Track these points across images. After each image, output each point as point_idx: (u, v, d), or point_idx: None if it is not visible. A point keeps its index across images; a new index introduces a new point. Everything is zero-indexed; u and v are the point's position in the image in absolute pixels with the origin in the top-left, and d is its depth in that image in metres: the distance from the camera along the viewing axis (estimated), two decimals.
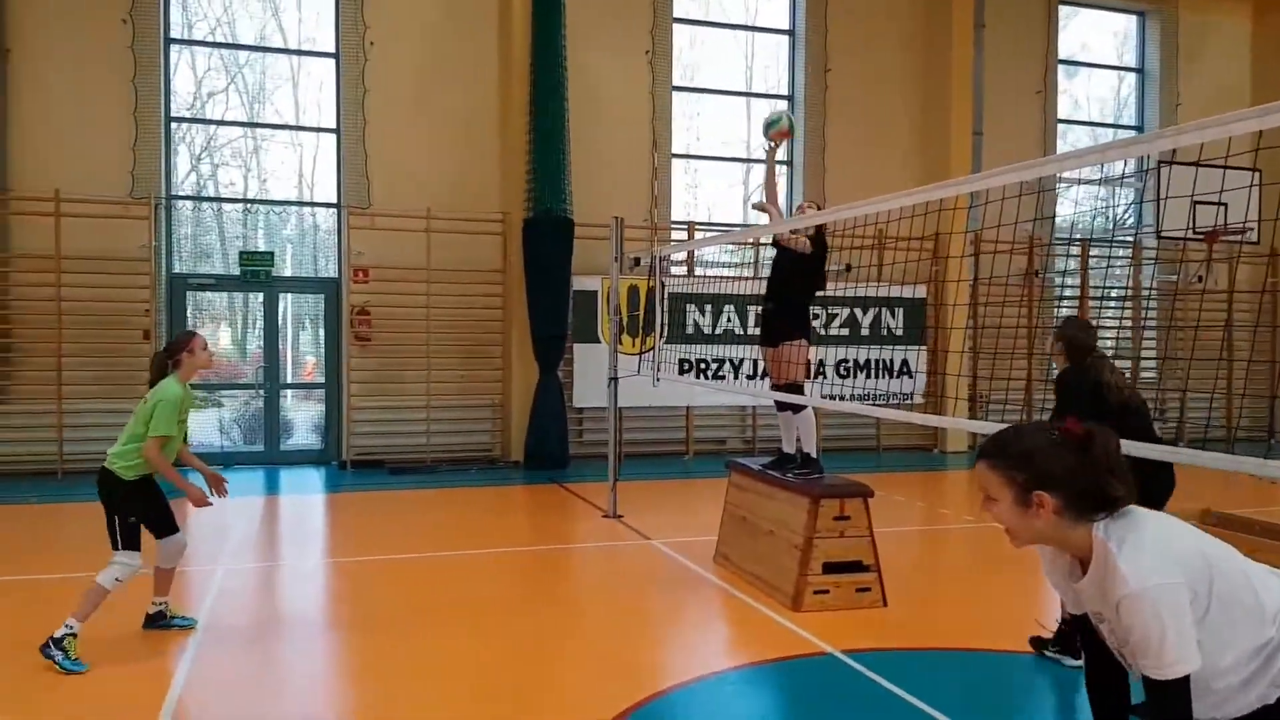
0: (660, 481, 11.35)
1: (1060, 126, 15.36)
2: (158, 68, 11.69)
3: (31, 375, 11.29)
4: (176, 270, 12.10)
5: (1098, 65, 16.22)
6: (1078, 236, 15.49)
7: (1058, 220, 15.42)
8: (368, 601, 6.39)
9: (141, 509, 5.11)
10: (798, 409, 6.54)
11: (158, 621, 5.40)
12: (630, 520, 8.76)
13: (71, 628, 4.75)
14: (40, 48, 11.20)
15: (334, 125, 12.46)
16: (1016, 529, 2.29)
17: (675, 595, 6.44)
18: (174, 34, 12.07)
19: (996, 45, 14.61)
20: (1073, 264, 15.55)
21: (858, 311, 13.50)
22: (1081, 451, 2.20)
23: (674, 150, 13.70)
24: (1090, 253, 15.06)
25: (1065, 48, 15.59)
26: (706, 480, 11.07)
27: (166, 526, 5.26)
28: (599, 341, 12.50)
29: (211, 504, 5.16)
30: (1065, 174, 14.71)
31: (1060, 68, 15.41)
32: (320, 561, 7.83)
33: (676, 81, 13.73)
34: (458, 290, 12.40)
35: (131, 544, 5.00)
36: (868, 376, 13.43)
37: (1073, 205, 16.24)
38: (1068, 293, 15.46)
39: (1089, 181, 15.94)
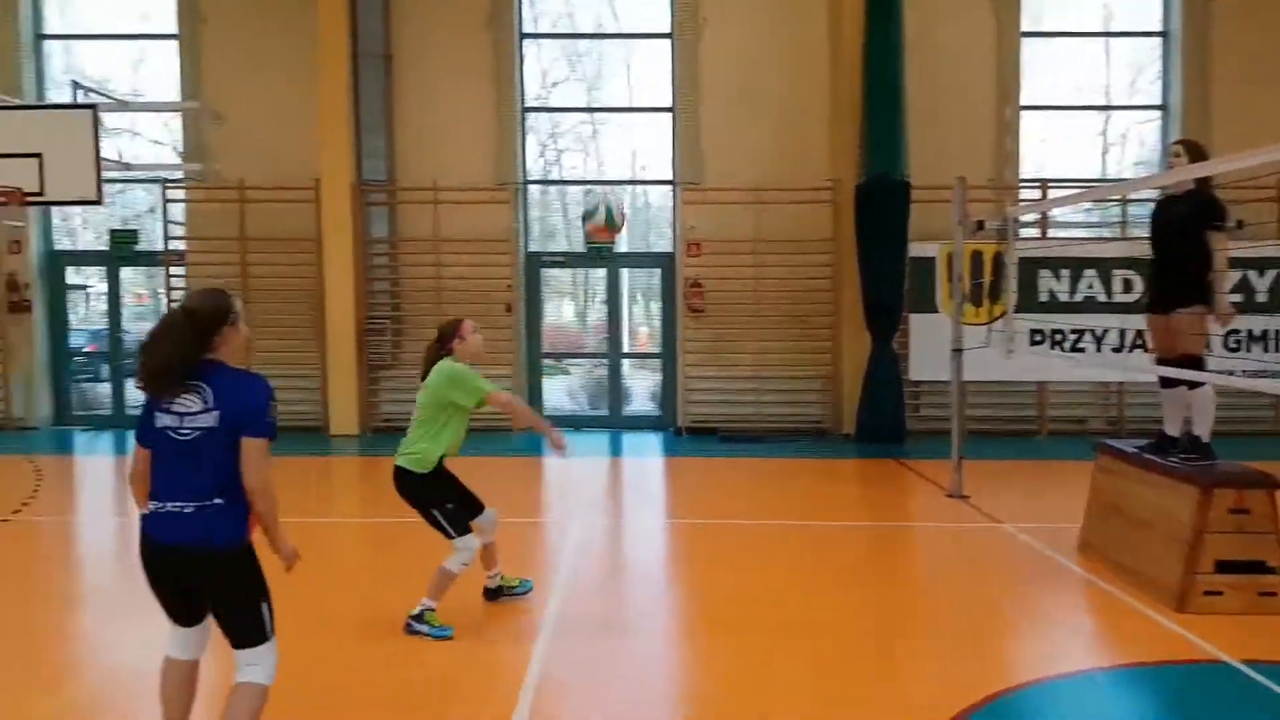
0: (1009, 462, 10.56)
1: None
2: (513, 62, 12.68)
3: (417, 345, 12.76)
4: (531, 249, 13.12)
5: None
6: None
7: None
8: (706, 562, 6.55)
9: (448, 495, 5.10)
10: (1192, 386, 5.73)
11: (498, 595, 5.52)
12: (977, 501, 8.23)
13: (427, 604, 5.01)
14: (417, 52, 12.56)
15: (668, 104, 12.84)
16: None
17: (1032, 583, 5.94)
18: (526, 29, 13.02)
19: None
20: None
21: (1252, 274, 11.62)
22: None
23: (1022, 102, 12.59)
24: None
25: None
26: (1062, 462, 10.19)
27: (476, 506, 5.28)
28: (937, 311, 11.87)
29: (566, 448, 5.01)
30: None
31: None
32: (661, 521, 8.15)
33: (1024, 27, 12.58)
34: (787, 261, 12.32)
35: (463, 529, 5.04)
36: (1265, 349, 11.54)
37: None
38: None
39: None
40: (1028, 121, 12.70)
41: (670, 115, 12.82)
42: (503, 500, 5.39)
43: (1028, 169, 12.70)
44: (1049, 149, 13.06)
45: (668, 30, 12.78)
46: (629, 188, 13.76)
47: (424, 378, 5.11)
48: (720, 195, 12.28)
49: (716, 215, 12.31)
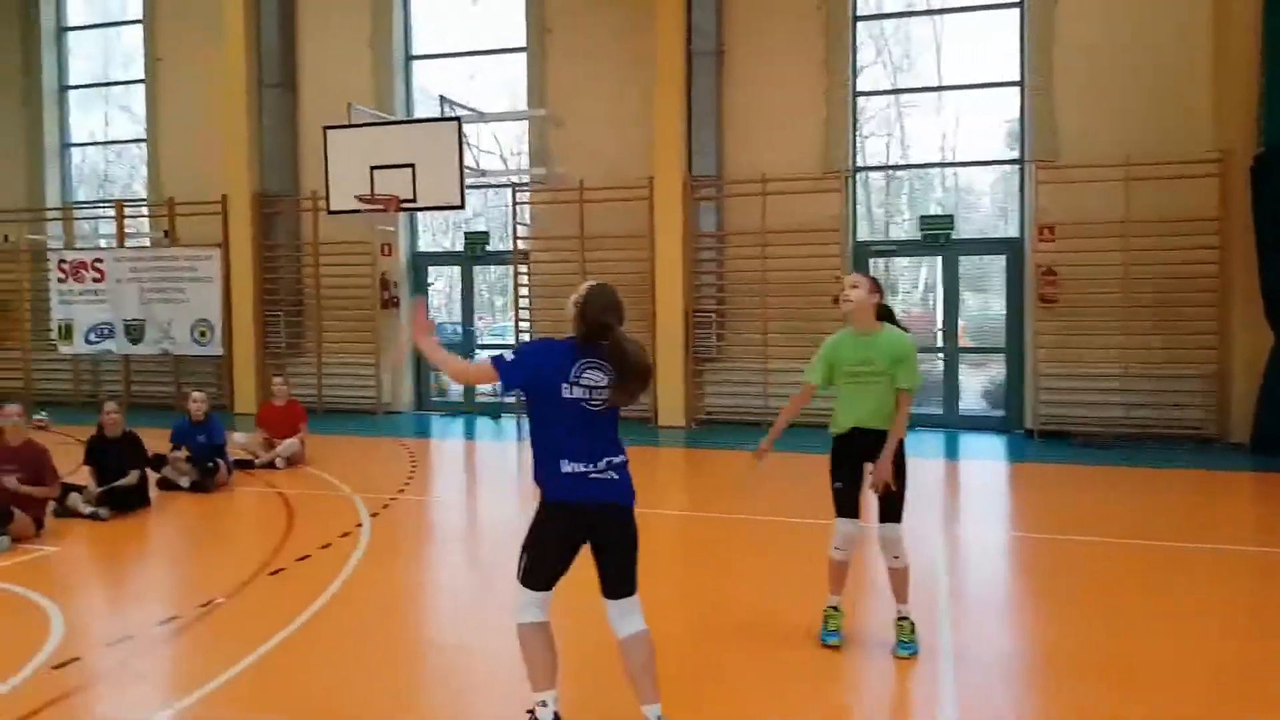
0: None
1: None
2: (846, 47, 12.23)
3: (741, 337, 12.75)
4: (861, 238, 12.62)
5: None
6: None
7: None
8: (1055, 583, 5.93)
9: (842, 473, 4.73)
10: None
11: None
12: None
13: (830, 602, 4.80)
14: (747, 44, 12.47)
15: (1013, 78, 11.84)
16: None
17: None
18: (859, 11, 12.49)
19: None
20: None
21: None
22: None
23: None
24: None
25: None
26: None
27: (844, 507, 4.74)
28: None
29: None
30: None
31: None
32: (1004, 535, 7.46)
33: None
34: (1161, 244, 10.88)
35: (842, 511, 4.71)
36: None
37: None
38: None
39: None
40: None
41: (1018, 89, 11.83)
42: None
43: None
44: None
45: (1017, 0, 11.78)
46: (939, 170, 12.94)
47: None
48: (1079, 173, 11.07)
49: (1074, 195, 11.12)
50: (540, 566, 3.57)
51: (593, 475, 3.49)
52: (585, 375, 3.49)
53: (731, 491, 8.99)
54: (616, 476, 3.53)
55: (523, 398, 3.70)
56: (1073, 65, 11.27)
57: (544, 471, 3.53)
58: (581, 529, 3.54)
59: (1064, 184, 11.15)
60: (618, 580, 3.57)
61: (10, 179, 15.91)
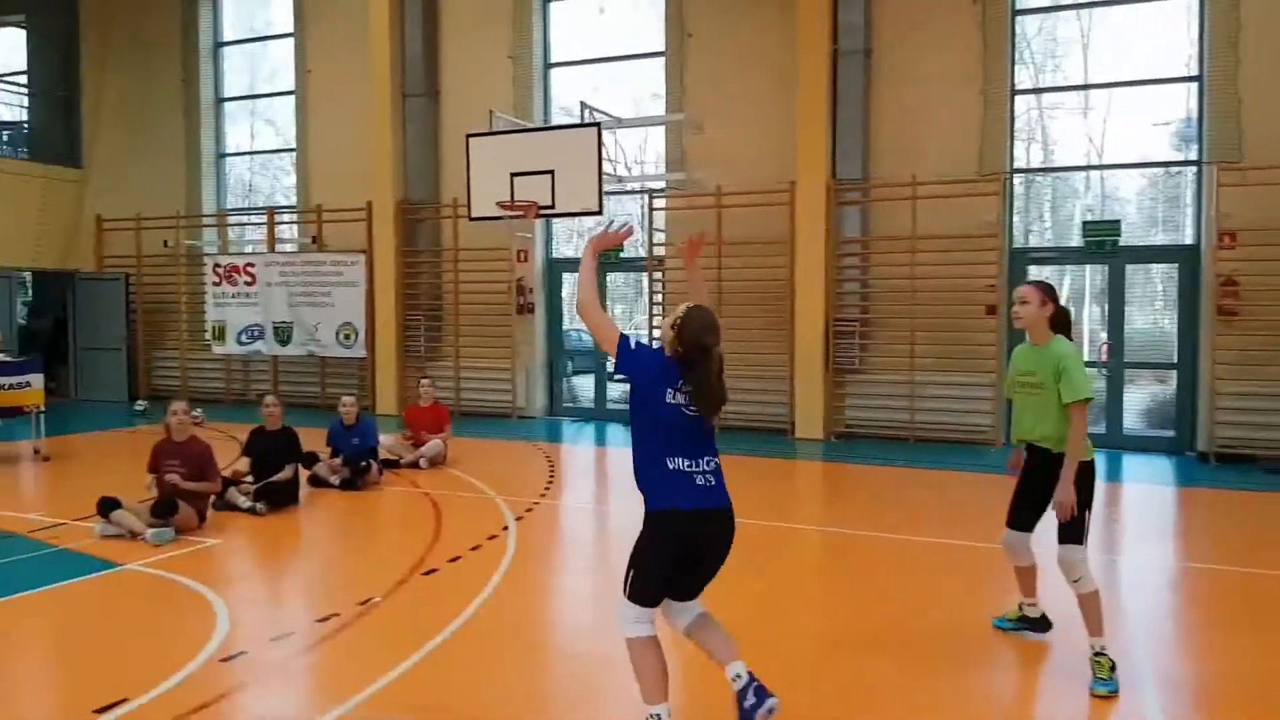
0: None
1: None
2: (1003, 42, 11.61)
3: (885, 348, 12.22)
4: (1017, 244, 11.96)
5: None
6: None
7: None
8: (1220, 614, 5.45)
9: (1017, 487, 4.78)
10: None
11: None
12: None
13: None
14: (898, 42, 11.95)
15: (1191, 73, 11.01)
16: None
17: None
18: (1020, 5, 11.86)
19: None
20: None
21: None
22: None
23: None
24: None
25: None
26: None
27: (1010, 517, 4.83)
28: None
29: None
30: None
31: None
32: (1170, 563, 6.83)
33: None
34: None
35: (1006, 518, 4.82)
36: None
37: None
38: None
39: None
40: None
41: (1194, 85, 10.99)
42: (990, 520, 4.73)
43: None
44: None
45: None
46: (1083, 173, 12.12)
47: None
48: (1266, 174, 10.16)
49: (1260, 199, 10.21)
50: (650, 583, 3.60)
51: (698, 479, 3.56)
52: (685, 387, 3.61)
53: (873, 507, 8.54)
54: (714, 482, 3.61)
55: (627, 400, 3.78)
56: (1260, 58, 10.38)
57: (651, 473, 3.59)
58: (692, 539, 3.56)
59: (1246, 187, 10.27)
60: (700, 586, 3.70)
61: (172, 187, 16.72)
